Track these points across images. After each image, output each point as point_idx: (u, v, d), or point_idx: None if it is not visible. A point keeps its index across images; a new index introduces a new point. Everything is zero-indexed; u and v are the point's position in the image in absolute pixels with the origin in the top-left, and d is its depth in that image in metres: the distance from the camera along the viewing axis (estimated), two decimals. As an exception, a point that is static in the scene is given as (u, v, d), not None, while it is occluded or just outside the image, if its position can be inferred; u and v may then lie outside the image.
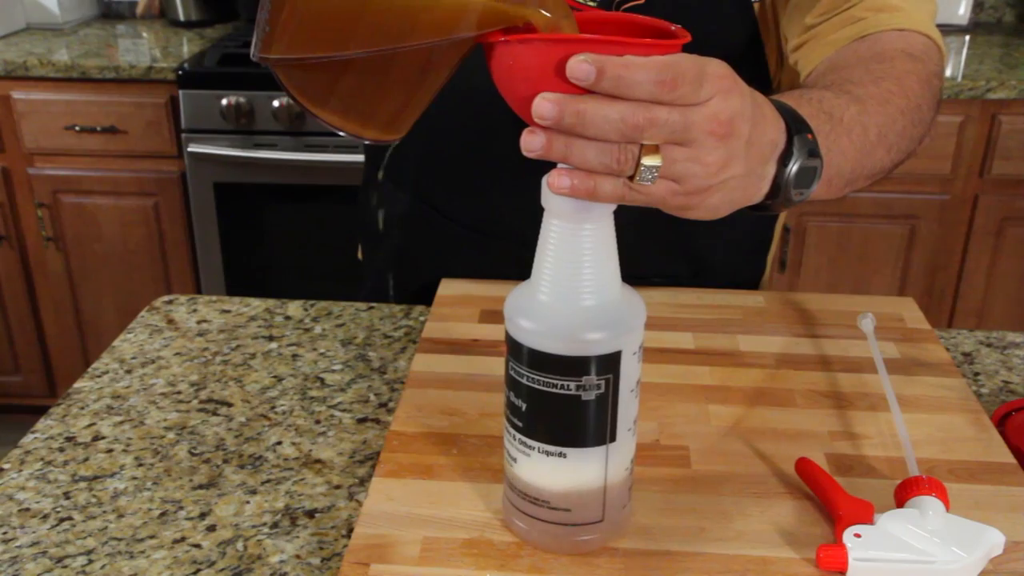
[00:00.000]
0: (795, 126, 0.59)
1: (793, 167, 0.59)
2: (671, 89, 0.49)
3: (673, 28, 0.54)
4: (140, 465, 0.71)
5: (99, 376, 0.83)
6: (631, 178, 0.51)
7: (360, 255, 1.15)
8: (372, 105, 0.57)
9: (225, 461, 0.72)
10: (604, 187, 0.51)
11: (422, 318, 0.93)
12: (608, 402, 0.56)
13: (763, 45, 0.90)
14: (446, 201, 1.00)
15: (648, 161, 0.50)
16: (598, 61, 0.48)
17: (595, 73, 0.48)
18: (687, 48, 0.51)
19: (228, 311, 0.95)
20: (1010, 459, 0.70)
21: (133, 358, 0.86)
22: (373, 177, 1.09)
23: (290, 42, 0.53)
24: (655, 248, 0.96)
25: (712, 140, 0.52)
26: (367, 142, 0.61)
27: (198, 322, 0.92)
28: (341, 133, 0.57)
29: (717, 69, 0.52)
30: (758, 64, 0.90)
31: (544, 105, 0.49)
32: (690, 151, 0.51)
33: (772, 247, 1.07)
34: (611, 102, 0.49)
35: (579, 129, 0.49)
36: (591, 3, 0.85)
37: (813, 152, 0.60)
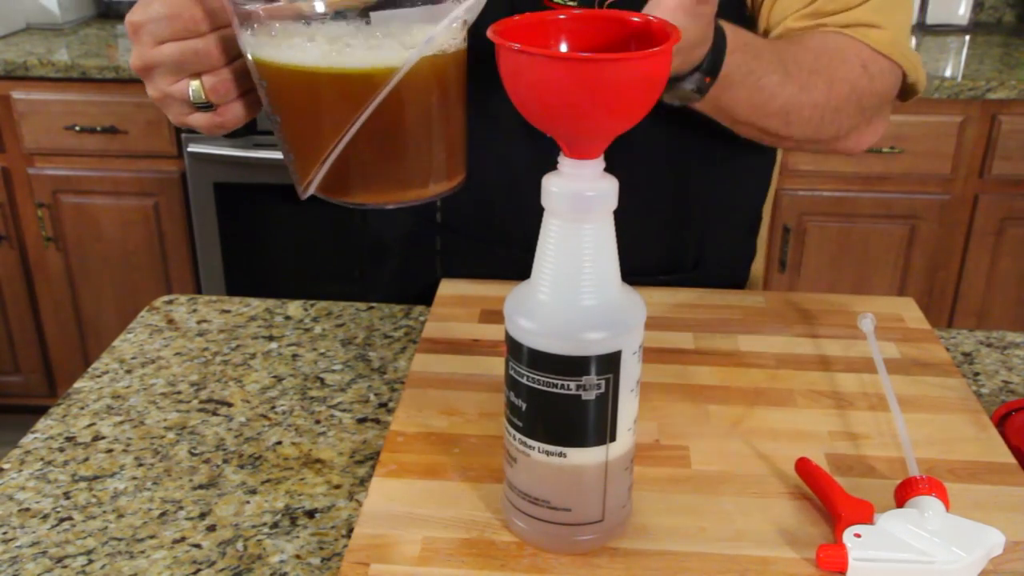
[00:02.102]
0: (698, 65, 0.69)
1: (680, 86, 0.71)
2: None
3: (654, 20, 0.54)
4: (140, 465, 0.71)
5: (99, 376, 0.83)
6: None
7: (359, 272, 1.15)
8: (414, 165, 0.64)
9: (225, 461, 0.72)
10: None
11: (422, 318, 0.93)
12: (608, 402, 0.56)
13: None
14: (445, 212, 0.99)
15: None
16: None
17: None
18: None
19: (228, 311, 0.95)
20: (1010, 459, 0.70)
21: (133, 358, 0.86)
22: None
23: (309, 158, 0.62)
24: (655, 237, 0.97)
25: None
26: (441, 196, 0.67)
27: (198, 322, 0.92)
28: (413, 203, 0.65)
29: None
30: None
31: None
32: None
33: (762, 229, 1.08)
34: None
35: None
36: (571, 3, 0.85)
37: (701, 89, 0.71)
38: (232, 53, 0.64)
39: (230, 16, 0.61)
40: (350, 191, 0.64)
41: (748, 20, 0.88)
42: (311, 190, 0.64)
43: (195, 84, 0.64)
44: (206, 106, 0.65)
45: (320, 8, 0.60)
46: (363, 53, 0.59)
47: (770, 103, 0.76)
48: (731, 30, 0.71)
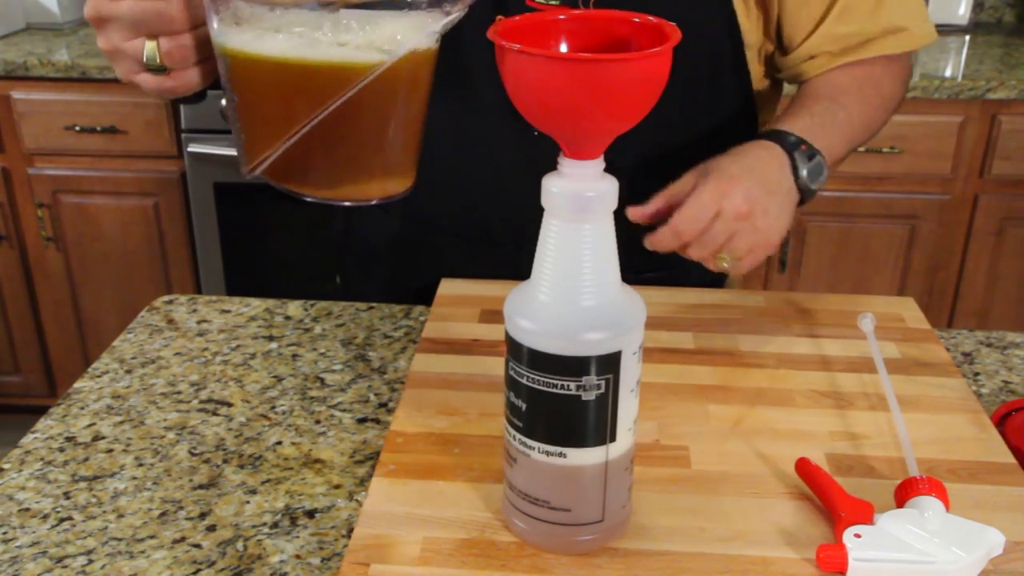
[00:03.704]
0: (790, 147, 0.79)
1: (803, 172, 0.79)
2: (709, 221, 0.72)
3: (654, 20, 0.54)
4: (140, 465, 0.71)
5: (99, 376, 0.83)
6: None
7: (341, 282, 1.15)
8: (361, 164, 0.62)
9: (225, 461, 0.72)
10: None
11: (422, 318, 0.93)
12: (608, 402, 0.56)
13: (742, 41, 0.90)
14: (437, 213, 0.99)
15: (725, 263, 0.75)
16: (673, 229, 0.73)
17: (678, 237, 0.73)
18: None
19: (228, 311, 0.95)
20: (1010, 459, 0.70)
21: (133, 358, 0.86)
22: (357, 207, 1.08)
23: (261, 141, 0.61)
24: (638, 236, 0.97)
25: (742, 222, 0.72)
26: (385, 201, 0.65)
27: (198, 322, 0.92)
28: (357, 203, 0.65)
29: (713, 192, 0.72)
30: (736, 54, 0.90)
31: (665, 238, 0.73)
32: (736, 240, 0.73)
33: None
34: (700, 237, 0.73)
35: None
36: (553, 3, 0.85)
37: (811, 155, 0.79)
38: (196, 20, 0.61)
39: None
40: (293, 180, 0.62)
41: (731, 14, 0.88)
42: (257, 172, 0.62)
43: (151, 46, 0.60)
44: (159, 69, 0.61)
45: None
46: (334, 49, 0.57)
47: (852, 125, 0.87)
48: (809, 130, 0.81)
